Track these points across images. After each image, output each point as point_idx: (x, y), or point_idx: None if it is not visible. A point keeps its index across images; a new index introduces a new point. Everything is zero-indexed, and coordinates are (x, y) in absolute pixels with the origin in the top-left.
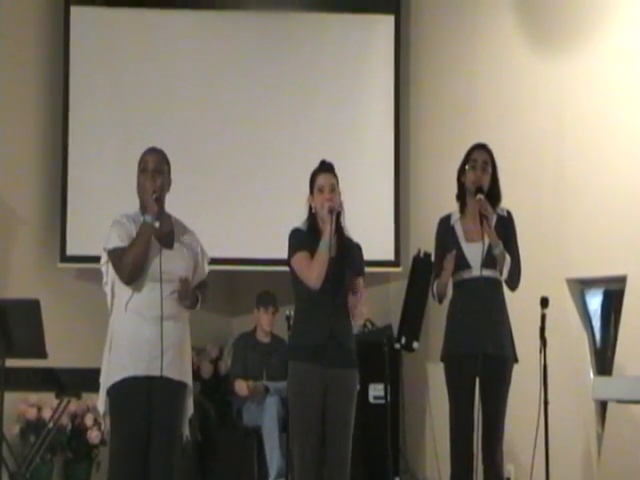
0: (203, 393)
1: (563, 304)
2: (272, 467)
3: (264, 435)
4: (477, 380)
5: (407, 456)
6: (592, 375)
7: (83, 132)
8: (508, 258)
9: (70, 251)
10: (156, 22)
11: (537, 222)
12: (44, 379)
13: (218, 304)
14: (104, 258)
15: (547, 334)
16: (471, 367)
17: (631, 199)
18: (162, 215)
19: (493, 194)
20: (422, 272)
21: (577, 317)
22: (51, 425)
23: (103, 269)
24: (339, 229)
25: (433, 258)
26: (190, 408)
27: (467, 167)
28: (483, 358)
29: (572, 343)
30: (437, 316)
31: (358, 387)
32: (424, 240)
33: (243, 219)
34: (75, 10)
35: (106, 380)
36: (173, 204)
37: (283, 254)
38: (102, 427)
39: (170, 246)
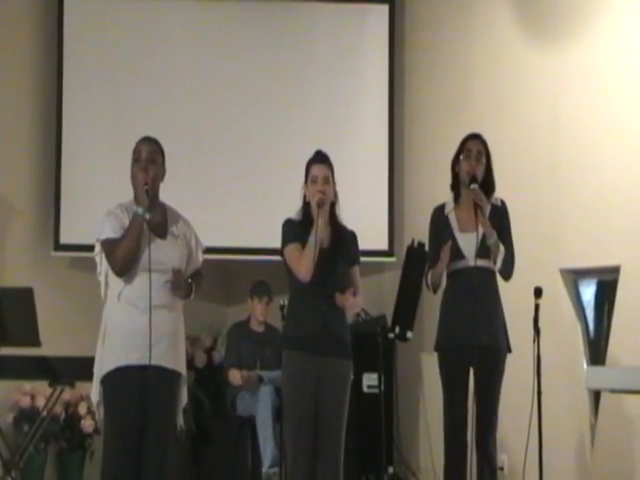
0: (197, 382)
1: (557, 294)
2: (266, 456)
3: (258, 425)
4: (471, 370)
5: (401, 446)
6: (585, 365)
7: (77, 121)
8: (502, 248)
9: (64, 240)
10: (151, 11)
11: (531, 213)
12: (38, 368)
13: (212, 293)
14: (97, 248)
15: (541, 324)
16: (465, 357)
17: (625, 190)
18: (155, 205)
19: (487, 184)
20: (416, 262)
21: (571, 307)
22: (45, 414)
23: (97, 259)
24: (333, 219)
25: (427, 248)
26: (184, 397)
27: (461, 157)
28: (477, 348)
29: (566, 333)
30: (431, 306)
31: (352, 377)
32: (418, 230)
33: (238, 208)
34: (68, 1)
35: (100, 369)
36: (168, 193)
37: (278, 243)
38: (96, 416)
39: (163, 236)
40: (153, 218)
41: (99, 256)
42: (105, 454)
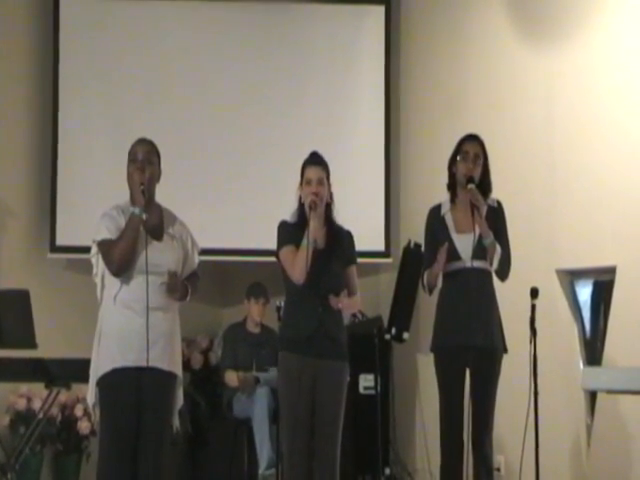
0: (193, 384)
1: (553, 295)
2: (262, 458)
3: (254, 426)
4: (467, 371)
5: (397, 447)
6: (582, 365)
7: (73, 123)
8: (499, 248)
9: (60, 241)
10: (148, 13)
11: (527, 213)
12: (34, 370)
13: (209, 295)
14: (94, 249)
15: (537, 325)
16: (461, 358)
17: (621, 191)
18: (151, 206)
19: (484, 185)
20: (412, 263)
21: (567, 308)
22: (41, 416)
23: (93, 260)
24: (328, 220)
25: (423, 248)
26: (180, 399)
27: (458, 158)
28: (473, 349)
29: (562, 334)
30: (427, 307)
31: (348, 379)
32: (414, 231)
33: (234, 210)
34: (65, 1)
35: (95, 371)
36: (164, 195)
37: (273, 245)
38: (92, 418)
39: (159, 238)
40: (149, 220)
41: (95, 257)
42: (101, 456)
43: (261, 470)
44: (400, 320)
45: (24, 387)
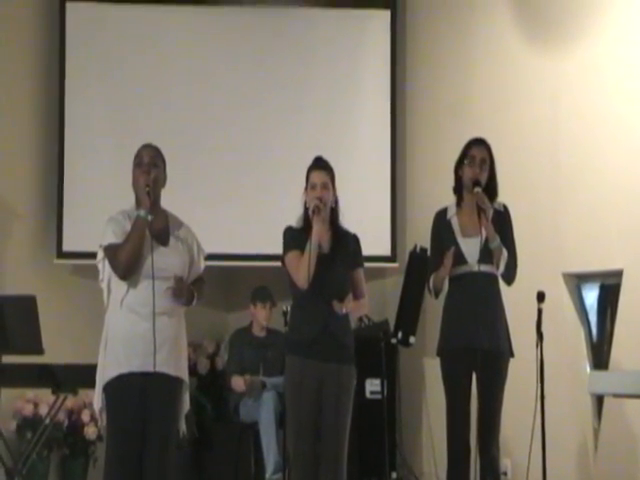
0: (200, 388)
1: (559, 298)
2: (269, 462)
3: (261, 430)
4: (473, 375)
5: (404, 451)
6: (588, 369)
7: (79, 128)
8: (505, 252)
9: (66, 247)
10: (152, 18)
11: (533, 216)
12: (40, 375)
13: (214, 300)
14: (100, 255)
15: (543, 328)
16: (467, 362)
17: (627, 193)
18: (157, 211)
19: (490, 188)
20: (419, 267)
21: (573, 311)
22: (48, 421)
23: (99, 266)
24: (334, 225)
25: (429, 252)
26: (186, 404)
27: (465, 162)
28: (480, 353)
29: (568, 337)
30: (434, 311)
31: (355, 383)
32: (421, 235)
33: (239, 214)
34: (70, 6)
35: (102, 376)
36: (169, 200)
37: (279, 249)
38: (98, 423)
39: (165, 243)
40: (155, 225)
41: (101, 263)
42: (107, 461)
43: (268, 474)
44: (406, 324)
45: (31, 393)
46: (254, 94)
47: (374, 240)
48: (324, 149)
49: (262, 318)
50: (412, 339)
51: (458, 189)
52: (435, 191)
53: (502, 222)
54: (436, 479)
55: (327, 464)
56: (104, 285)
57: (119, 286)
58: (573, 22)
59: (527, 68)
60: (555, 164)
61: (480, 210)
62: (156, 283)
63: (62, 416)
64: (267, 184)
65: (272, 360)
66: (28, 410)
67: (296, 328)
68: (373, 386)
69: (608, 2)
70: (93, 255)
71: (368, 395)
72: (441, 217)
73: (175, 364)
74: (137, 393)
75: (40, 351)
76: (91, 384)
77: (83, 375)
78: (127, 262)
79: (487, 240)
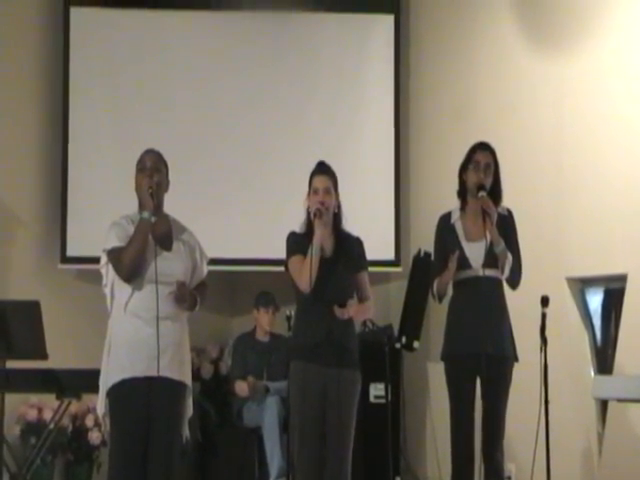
0: (203, 393)
1: (563, 303)
2: (273, 467)
3: (265, 435)
4: (478, 379)
5: (408, 456)
6: (593, 374)
7: (83, 133)
8: (510, 256)
9: (70, 252)
10: (155, 23)
11: (537, 221)
12: (44, 380)
13: (218, 304)
14: (103, 260)
15: (547, 333)
16: (472, 366)
17: (631, 197)
18: (160, 215)
19: (494, 193)
20: (422, 271)
21: (577, 316)
22: (52, 426)
23: (103, 271)
24: (337, 229)
25: (433, 257)
26: (190, 409)
27: (470, 167)
28: (484, 357)
29: (572, 342)
30: (438, 315)
31: (359, 387)
32: (424, 239)
33: (242, 219)
34: (74, 11)
35: (105, 381)
36: (173, 205)
37: (282, 254)
38: (102, 428)
39: (168, 248)
40: (158, 230)
41: (105, 268)
42: (111, 466)
43: (271, 479)
44: (410, 329)
45: (35, 398)
46: (258, 100)
47: (378, 244)
48: (328, 153)
49: (265, 323)
50: (416, 344)
51: (462, 193)
52: (439, 195)
53: (506, 226)
54: None
55: (331, 468)
56: (107, 290)
57: (122, 291)
58: (577, 26)
59: (531, 72)
60: (559, 168)
61: (485, 214)
62: (159, 288)
63: (66, 421)
64: (270, 189)
65: (276, 365)
66: (32, 415)
67: (300, 333)
68: (377, 391)
69: (612, 6)
70: (97, 260)
71: (372, 400)
72: (445, 221)
73: (178, 369)
74: (141, 398)
75: (44, 356)
76: (95, 389)
77: (87, 380)
78: (131, 264)
79: (492, 244)
